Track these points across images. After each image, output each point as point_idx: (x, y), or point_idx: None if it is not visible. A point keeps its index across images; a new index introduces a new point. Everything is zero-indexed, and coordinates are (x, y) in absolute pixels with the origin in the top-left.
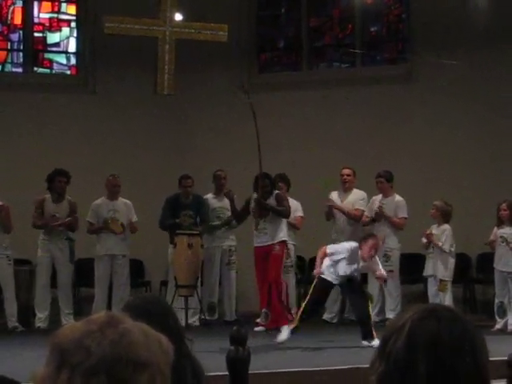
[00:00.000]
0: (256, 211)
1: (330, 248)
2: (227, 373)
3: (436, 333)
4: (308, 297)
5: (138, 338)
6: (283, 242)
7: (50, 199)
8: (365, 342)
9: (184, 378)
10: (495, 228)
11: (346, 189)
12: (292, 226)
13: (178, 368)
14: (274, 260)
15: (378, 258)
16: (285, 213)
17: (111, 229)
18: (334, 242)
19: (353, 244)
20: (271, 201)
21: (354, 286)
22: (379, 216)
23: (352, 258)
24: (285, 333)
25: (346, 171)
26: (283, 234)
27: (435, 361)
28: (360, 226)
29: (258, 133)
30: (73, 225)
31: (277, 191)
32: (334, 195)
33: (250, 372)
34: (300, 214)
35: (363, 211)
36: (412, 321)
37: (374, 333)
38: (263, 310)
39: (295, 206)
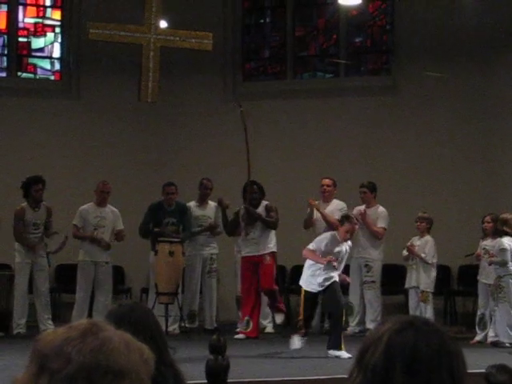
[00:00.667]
0: (245, 218)
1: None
2: (206, 381)
3: (413, 345)
4: (303, 312)
5: (118, 346)
6: (273, 253)
7: (28, 207)
8: (331, 352)
9: None
10: (481, 240)
11: (325, 199)
12: None
13: (159, 377)
14: (266, 270)
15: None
16: (272, 224)
17: (97, 241)
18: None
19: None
20: (261, 210)
21: (331, 291)
22: (361, 216)
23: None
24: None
25: (326, 181)
26: (273, 244)
27: (412, 373)
28: None
29: (248, 143)
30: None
31: (267, 202)
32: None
33: (229, 381)
34: None
35: None
36: (390, 333)
37: (342, 344)
38: (246, 317)
39: None
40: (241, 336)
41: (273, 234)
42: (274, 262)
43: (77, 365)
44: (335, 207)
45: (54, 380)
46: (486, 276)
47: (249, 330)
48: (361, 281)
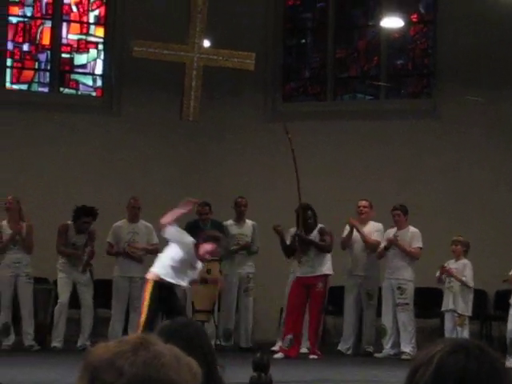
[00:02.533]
0: (297, 246)
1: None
2: None
3: (464, 368)
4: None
5: (169, 360)
6: (326, 277)
7: (72, 227)
8: None
9: None
10: None
11: (362, 220)
12: None
13: None
14: (317, 296)
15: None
16: (326, 248)
17: (131, 256)
18: (350, 272)
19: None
20: (315, 234)
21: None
22: (390, 245)
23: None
24: None
25: (363, 203)
26: (327, 267)
27: None
28: (375, 257)
29: (297, 170)
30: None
31: (321, 225)
32: (350, 227)
33: None
34: None
35: (379, 242)
36: (441, 354)
37: None
38: (288, 335)
39: None
40: (280, 355)
41: (328, 257)
42: (326, 288)
43: (129, 377)
44: (372, 228)
45: None
46: None
47: (290, 347)
48: (393, 302)
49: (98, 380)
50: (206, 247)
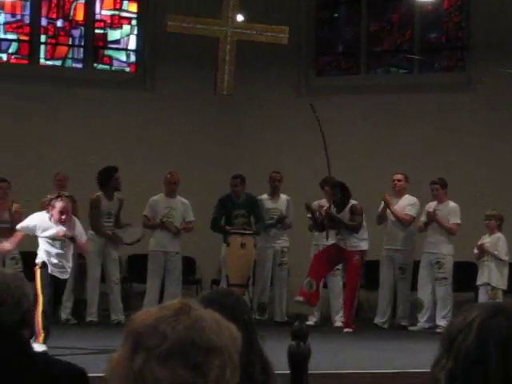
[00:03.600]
0: (326, 223)
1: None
2: (282, 371)
3: (507, 329)
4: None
5: (210, 324)
6: (363, 251)
7: (103, 197)
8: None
9: (251, 373)
10: None
11: (396, 194)
12: None
13: (246, 363)
14: (352, 269)
15: (77, 222)
16: (355, 228)
17: (167, 228)
18: (384, 246)
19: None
20: (345, 211)
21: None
22: (430, 220)
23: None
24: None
25: (397, 176)
26: (364, 243)
27: (508, 356)
28: (411, 232)
29: (327, 148)
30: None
31: (354, 202)
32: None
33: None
34: None
35: (413, 217)
36: (481, 318)
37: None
38: (308, 278)
39: None
40: (301, 299)
41: (363, 232)
42: (362, 262)
43: (172, 341)
44: (407, 202)
45: (150, 357)
46: None
47: (311, 291)
48: (431, 277)
49: (142, 345)
50: (56, 208)
